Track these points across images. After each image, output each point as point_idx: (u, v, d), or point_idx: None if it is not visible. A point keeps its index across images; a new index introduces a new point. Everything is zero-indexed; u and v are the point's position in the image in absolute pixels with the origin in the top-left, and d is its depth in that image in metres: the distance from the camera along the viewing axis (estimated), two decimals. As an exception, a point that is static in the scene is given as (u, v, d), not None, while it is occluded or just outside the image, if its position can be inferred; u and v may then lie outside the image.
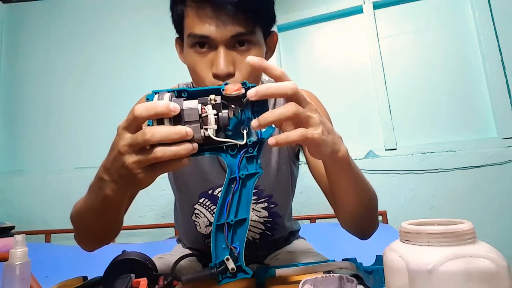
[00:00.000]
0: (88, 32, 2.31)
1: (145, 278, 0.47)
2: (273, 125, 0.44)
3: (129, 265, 0.51)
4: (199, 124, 0.41)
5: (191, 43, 0.62)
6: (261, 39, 0.65)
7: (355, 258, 0.55)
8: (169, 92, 0.43)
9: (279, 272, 0.54)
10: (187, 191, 0.79)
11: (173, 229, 1.94)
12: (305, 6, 2.11)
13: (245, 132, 0.43)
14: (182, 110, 0.41)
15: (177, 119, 0.41)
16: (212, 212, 0.77)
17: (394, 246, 0.35)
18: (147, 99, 0.42)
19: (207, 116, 0.42)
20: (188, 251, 0.86)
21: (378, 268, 0.51)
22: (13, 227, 1.55)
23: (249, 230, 0.77)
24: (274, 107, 0.78)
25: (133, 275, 0.49)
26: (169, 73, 1.95)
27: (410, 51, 1.94)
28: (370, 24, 2.00)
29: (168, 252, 0.89)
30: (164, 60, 2.11)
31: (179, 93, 0.43)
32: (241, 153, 0.44)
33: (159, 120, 0.41)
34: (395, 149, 1.86)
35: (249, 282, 0.52)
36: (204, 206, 0.78)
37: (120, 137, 0.42)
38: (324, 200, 0.70)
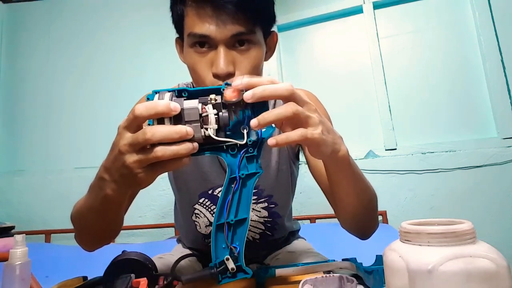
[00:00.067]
0: (88, 32, 2.31)
1: (145, 278, 0.47)
2: (273, 125, 0.44)
3: (129, 265, 0.51)
4: (199, 124, 0.41)
5: (191, 43, 0.62)
6: (261, 39, 0.65)
7: (355, 258, 0.55)
8: (169, 91, 0.43)
9: (279, 272, 0.54)
10: (187, 191, 0.79)
11: (173, 229, 1.94)
12: (305, 6, 2.11)
13: (245, 131, 0.43)
14: (182, 109, 0.41)
15: (178, 119, 0.41)
16: (212, 212, 0.77)
17: (394, 246, 0.35)
18: (148, 99, 0.42)
19: (207, 115, 0.42)
20: (188, 251, 0.86)
21: (378, 268, 0.51)
22: (13, 227, 1.55)
23: (249, 230, 0.77)
24: (274, 107, 0.78)
25: (133, 275, 0.49)
26: (169, 73, 1.95)
27: (410, 51, 1.94)
28: (370, 24, 2.00)
29: (168, 252, 0.89)
30: (164, 60, 2.11)
31: (179, 93, 0.43)
32: (241, 152, 0.44)
33: (160, 119, 0.41)
34: (395, 149, 1.86)
35: (249, 282, 0.52)
36: (204, 206, 0.78)
37: (121, 136, 0.42)
38: (324, 200, 0.70)
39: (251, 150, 0.44)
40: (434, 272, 0.29)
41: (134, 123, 0.41)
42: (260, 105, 0.44)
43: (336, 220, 0.66)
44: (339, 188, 0.56)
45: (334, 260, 0.56)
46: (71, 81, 2.27)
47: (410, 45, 1.95)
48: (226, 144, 0.44)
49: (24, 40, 2.36)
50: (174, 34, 0.72)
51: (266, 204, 0.78)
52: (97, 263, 0.72)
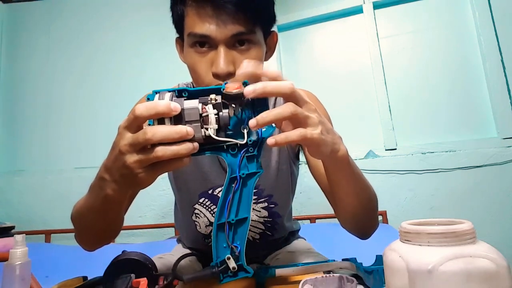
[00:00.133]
0: (88, 32, 2.31)
1: (145, 278, 0.47)
2: (273, 124, 0.44)
3: (129, 265, 0.51)
4: (199, 124, 0.42)
5: (191, 43, 0.62)
6: (261, 39, 0.65)
7: (355, 258, 0.55)
8: (169, 91, 0.43)
9: (279, 272, 0.54)
10: (187, 191, 0.79)
11: (173, 229, 1.94)
12: (305, 6, 2.11)
13: (245, 131, 0.44)
14: (182, 109, 0.41)
15: (178, 119, 0.41)
16: (212, 212, 0.77)
17: (394, 246, 0.35)
18: (148, 99, 0.42)
19: (207, 115, 0.42)
20: (188, 251, 0.86)
21: (378, 268, 0.51)
22: (13, 227, 1.55)
23: (249, 230, 0.77)
24: (274, 107, 0.78)
25: (133, 275, 0.49)
26: (169, 73, 1.95)
27: (410, 51, 1.94)
28: (370, 24, 2.00)
29: (168, 252, 0.89)
30: (164, 60, 2.11)
31: (179, 93, 0.43)
32: (242, 152, 0.44)
33: (160, 119, 0.41)
34: (395, 149, 1.86)
35: (249, 282, 0.52)
36: (204, 206, 0.78)
37: (121, 136, 0.42)
38: (324, 200, 0.70)
39: (251, 149, 0.44)
40: (434, 272, 0.29)
41: (135, 123, 0.41)
42: (260, 105, 0.44)
43: (336, 220, 0.66)
44: (338, 188, 0.56)
45: (334, 260, 0.56)
46: (71, 81, 2.27)
47: (410, 45, 1.95)
48: (227, 144, 0.44)
49: (24, 40, 2.36)
50: (174, 34, 0.72)
51: (266, 204, 0.78)
52: (97, 263, 0.72)
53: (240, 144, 0.44)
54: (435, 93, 1.86)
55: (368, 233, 0.66)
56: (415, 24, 1.95)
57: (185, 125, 0.41)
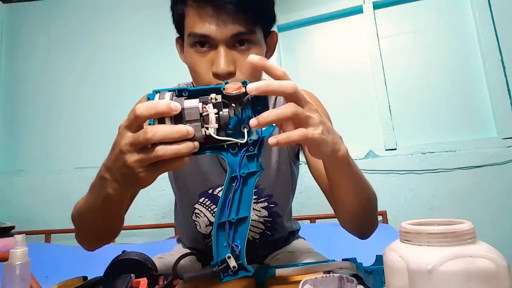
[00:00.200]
0: (88, 32, 2.31)
1: (145, 278, 0.47)
2: (273, 124, 0.44)
3: (129, 265, 0.51)
4: (200, 123, 0.42)
5: (192, 43, 0.62)
6: (261, 39, 0.65)
7: (355, 258, 0.55)
8: (170, 91, 0.43)
9: (279, 272, 0.54)
10: (187, 191, 0.79)
11: (173, 229, 1.94)
12: (305, 6, 2.11)
13: (245, 130, 0.44)
14: (183, 109, 0.41)
15: (178, 118, 0.41)
16: (212, 212, 0.78)
17: (394, 246, 0.35)
18: (148, 99, 0.43)
19: (208, 115, 0.42)
20: (188, 251, 0.86)
21: (378, 268, 0.51)
22: (13, 227, 1.55)
23: (249, 230, 0.77)
24: (274, 107, 0.78)
25: (133, 275, 0.49)
26: (169, 73, 1.95)
27: (410, 51, 1.94)
28: (370, 24, 2.00)
29: (168, 252, 0.89)
30: (164, 60, 2.11)
31: (180, 92, 0.43)
32: (242, 151, 0.44)
33: (160, 119, 0.41)
34: (395, 149, 1.86)
35: (249, 282, 0.52)
36: (204, 206, 0.78)
37: (122, 136, 0.42)
38: (324, 200, 0.70)
39: (251, 149, 0.44)
40: (434, 272, 0.29)
41: (135, 123, 0.41)
42: (261, 105, 0.44)
43: (336, 220, 0.67)
44: (338, 188, 0.56)
45: (334, 260, 0.56)
46: (71, 81, 2.27)
47: (410, 45, 1.95)
48: (227, 143, 0.44)
49: (24, 40, 2.36)
50: (174, 34, 0.72)
51: (266, 204, 0.78)
52: (97, 263, 0.72)
53: (240, 143, 0.44)
54: (435, 93, 1.86)
55: (367, 233, 0.66)
56: (415, 24, 1.95)
57: (185, 124, 0.41)
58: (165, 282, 0.50)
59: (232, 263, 0.44)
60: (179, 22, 0.66)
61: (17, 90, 2.32)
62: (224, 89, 0.43)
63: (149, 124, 0.42)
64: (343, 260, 0.55)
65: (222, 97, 0.43)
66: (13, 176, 2.19)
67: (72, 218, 0.61)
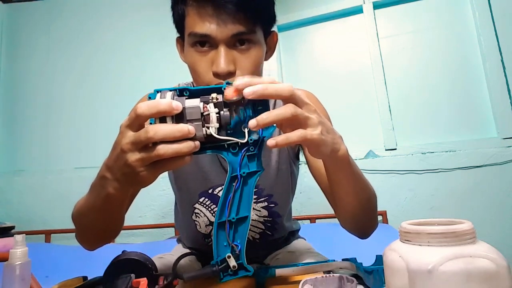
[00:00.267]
0: (88, 32, 2.31)
1: (145, 278, 0.47)
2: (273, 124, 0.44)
3: (129, 265, 0.51)
4: (201, 123, 0.42)
5: (192, 42, 0.62)
6: (261, 39, 0.66)
7: (355, 258, 0.55)
8: (171, 90, 0.43)
9: (279, 272, 0.54)
10: (187, 191, 0.79)
11: (173, 229, 1.94)
12: (305, 6, 2.11)
13: (246, 130, 0.44)
14: (184, 108, 0.41)
15: (179, 118, 0.42)
16: (212, 212, 0.78)
17: (394, 246, 0.35)
18: (149, 98, 0.43)
19: (209, 114, 0.42)
20: (188, 251, 0.86)
21: (378, 268, 0.51)
22: (13, 227, 1.55)
23: (249, 230, 0.77)
24: (274, 107, 0.78)
25: (133, 275, 0.49)
26: (169, 73, 1.95)
27: (410, 51, 1.94)
28: (370, 24, 2.00)
29: (168, 252, 0.89)
30: (164, 60, 2.11)
31: (181, 92, 0.43)
32: (243, 151, 0.44)
33: (162, 118, 0.41)
34: (395, 149, 1.86)
35: (249, 282, 0.52)
36: (204, 206, 0.78)
37: (123, 135, 0.42)
38: (324, 200, 0.70)
39: (252, 148, 0.45)
40: (434, 272, 0.29)
41: (136, 122, 0.41)
42: (261, 105, 0.44)
43: (336, 220, 0.67)
44: (338, 188, 0.57)
45: (334, 260, 0.56)
46: (71, 81, 2.27)
47: (410, 45, 1.95)
48: (228, 142, 0.44)
49: (24, 40, 2.36)
50: (174, 34, 0.72)
51: (266, 204, 0.78)
52: (97, 263, 0.72)
53: (241, 143, 0.44)
54: (435, 93, 1.86)
55: (367, 232, 0.66)
56: (415, 24, 1.95)
57: (186, 124, 0.41)
58: (165, 282, 0.50)
59: (232, 262, 0.44)
60: (179, 22, 0.66)
61: (17, 90, 2.32)
62: (225, 89, 0.43)
63: (150, 123, 0.42)
64: (343, 260, 0.55)
65: (223, 97, 0.43)
66: (13, 176, 2.19)
67: (73, 217, 0.61)
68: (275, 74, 2.07)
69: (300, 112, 0.42)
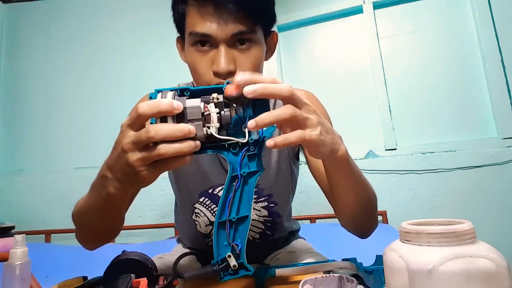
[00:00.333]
0: (88, 32, 2.31)
1: (145, 278, 0.47)
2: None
3: (129, 265, 0.50)
4: (201, 122, 0.42)
5: (192, 42, 0.63)
6: (262, 38, 0.66)
7: (355, 258, 0.55)
8: (172, 90, 0.44)
9: (279, 272, 0.54)
10: (188, 191, 0.79)
11: (173, 229, 1.94)
12: (305, 6, 2.11)
13: (246, 130, 0.44)
14: (185, 108, 0.42)
15: (180, 117, 0.42)
16: (212, 211, 0.78)
17: (394, 246, 0.35)
18: (150, 98, 0.43)
19: (209, 114, 0.42)
20: (188, 251, 0.86)
21: (378, 268, 0.51)
22: (13, 227, 1.55)
23: (249, 230, 0.77)
24: (274, 107, 0.78)
25: (133, 275, 0.49)
26: (169, 73, 1.95)
27: (410, 51, 1.94)
28: (370, 24, 2.00)
29: (168, 252, 0.89)
30: (164, 60, 2.11)
31: (181, 92, 0.44)
32: (243, 151, 0.45)
33: (162, 118, 0.42)
34: (395, 149, 1.86)
35: (249, 282, 0.52)
36: (204, 205, 0.78)
37: (124, 135, 0.42)
38: (324, 200, 0.70)
39: (252, 148, 0.45)
40: (434, 272, 0.29)
41: (137, 122, 0.42)
42: (261, 105, 0.45)
43: (336, 220, 0.67)
44: (338, 188, 0.57)
45: (334, 260, 0.56)
46: (71, 81, 2.27)
47: (410, 45, 1.95)
48: (228, 142, 0.44)
49: (24, 40, 2.36)
50: (174, 34, 0.72)
51: (266, 203, 0.78)
52: (97, 263, 0.72)
53: (241, 142, 0.44)
54: (435, 93, 1.86)
55: (367, 232, 0.66)
56: (415, 24, 1.95)
57: (187, 123, 0.41)
58: (165, 282, 0.50)
59: (233, 262, 0.45)
60: (180, 21, 0.66)
61: (17, 90, 2.32)
62: (224, 88, 0.43)
63: (151, 123, 0.42)
64: (343, 260, 0.55)
65: (223, 97, 0.43)
66: (13, 176, 2.19)
67: (73, 217, 0.61)
68: (275, 74, 2.07)
69: (299, 113, 0.42)
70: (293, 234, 0.91)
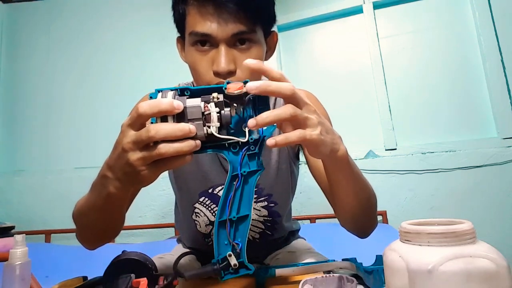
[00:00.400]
0: (88, 32, 2.31)
1: (145, 278, 0.47)
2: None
3: (129, 265, 0.50)
4: (202, 122, 0.42)
5: (193, 41, 0.63)
6: (262, 38, 0.66)
7: (355, 258, 0.55)
8: (172, 90, 0.44)
9: (279, 272, 0.54)
10: (188, 190, 0.79)
11: (173, 229, 1.94)
12: (305, 6, 2.11)
13: (247, 129, 0.44)
14: (185, 107, 0.42)
15: (180, 117, 0.42)
16: (212, 211, 0.78)
17: (394, 246, 0.35)
18: (151, 97, 0.43)
19: (209, 113, 0.42)
20: (188, 251, 0.86)
21: (378, 268, 0.51)
22: (13, 227, 1.55)
23: (249, 229, 0.77)
24: (274, 107, 0.78)
25: (133, 275, 0.49)
26: (169, 73, 1.95)
27: (410, 51, 1.94)
28: (370, 24, 2.00)
29: (168, 252, 0.89)
30: (164, 60, 2.11)
31: (182, 91, 0.44)
32: (243, 150, 0.45)
33: (163, 117, 0.42)
34: (395, 149, 1.86)
35: (249, 282, 0.52)
36: (204, 205, 0.78)
37: (124, 134, 0.42)
38: (324, 200, 0.70)
39: (252, 147, 0.45)
40: (434, 272, 0.29)
41: (138, 121, 0.42)
42: (262, 104, 0.45)
43: (336, 220, 0.67)
44: (338, 188, 0.57)
45: (334, 260, 0.56)
46: (71, 81, 2.27)
47: (410, 45, 1.95)
48: (228, 142, 0.44)
49: (24, 40, 2.36)
50: (174, 34, 0.72)
51: (265, 203, 0.78)
52: (97, 263, 0.72)
53: (241, 142, 0.44)
54: (435, 93, 1.86)
55: (367, 232, 0.66)
56: (415, 24, 1.95)
57: (187, 123, 0.41)
58: (165, 282, 0.50)
59: (233, 261, 0.45)
60: (180, 21, 0.67)
61: (17, 90, 2.32)
62: (226, 88, 0.43)
63: (152, 122, 0.42)
64: (343, 260, 0.55)
65: (223, 96, 0.43)
66: (13, 176, 2.19)
67: (73, 216, 0.61)
68: (275, 74, 2.06)
69: (299, 113, 0.43)
70: (293, 234, 0.91)
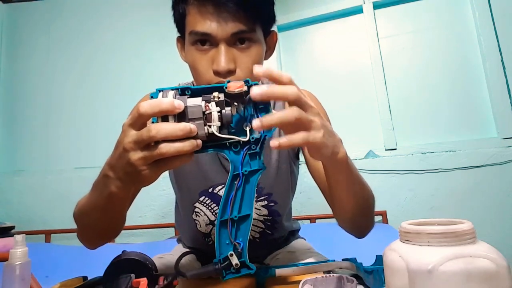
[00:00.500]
0: (88, 32, 2.31)
1: (145, 278, 0.47)
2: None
3: (129, 265, 0.51)
4: (202, 121, 0.42)
5: (193, 41, 0.63)
6: (261, 38, 0.66)
7: (355, 258, 0.55)
8: (173, 89, 0.44)
9: (279, 272, 0.54)
10: (188, 190, 0.79)
11: (173, 229, 1.94)
12: (305, 6, 2.11)
13: (247, 129, 0.44)
14: (186, 107, 0.42)
15: (181, 116, 0.42)
16: (212, 211, 0.78)
17: (394, 246, 0.35)
18: (151, 97, 0.43)
19: (210, 113, 0.42)
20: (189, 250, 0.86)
21: (378, 268, 0.51)
22: (13, 227, 1.55)
23: (249, 230, 0.77)
24: (274, 104, 0.78)
25: (133, 275, 0.49)
26: (169, 73, 1.95)
27: (410, 51, 1.94)
28: (370, 24, 2.00)
29: (168, 252, 0.89)
30: (164, 60, 2.11)
31: (182, 91, 0.44)
32: (244, 149, 0.45)
33: (164, 117, 0.42)
34: (395, 149, 1.86)
35: (250, 282, 0.52)
36: (205, 205, 0.78)
37: (125, 134, 0.42)
38: (324, 200, 0.71)
39: (253, 147, 0.45)
40: (434, 272, 0.29)
41: (139, 121, 0.42)
42: (262, 103, 0.45)
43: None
44: (337, 189, 0.57)
45: (334, 260, 0.56)
46: (71, 81, 2.27)
47: (410, 45, 1.95)
48: (229, 141, 0.44)
49: (24, 40, 2.36)
50: (174, 34, 0.72)
51: (266, 202, 0.78)
52: (97, 263, 0.72)
53: (242, 141, 0.44)
54: (435, 93, 1.86)
55: (364, 232, 0.66)
56: (415, 24, 1.95)
57: (188, 122, 0.41)
58: (165, 282, 0.50)
59: (235, 260, 0.45)
60: (180, 20, 0.67)
61: (17, 90, 2.32)
62: (226, 87, 0.43)
63: (152, 122, 0.42)
64: (343, 260, 0.55)
65: (224, 96, 0.43)
66: (13, 176, 2.19)
67: (74, 216, 0.61)
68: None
69: (304, 116, 0.42)
70: (293, 234, 0.91)
